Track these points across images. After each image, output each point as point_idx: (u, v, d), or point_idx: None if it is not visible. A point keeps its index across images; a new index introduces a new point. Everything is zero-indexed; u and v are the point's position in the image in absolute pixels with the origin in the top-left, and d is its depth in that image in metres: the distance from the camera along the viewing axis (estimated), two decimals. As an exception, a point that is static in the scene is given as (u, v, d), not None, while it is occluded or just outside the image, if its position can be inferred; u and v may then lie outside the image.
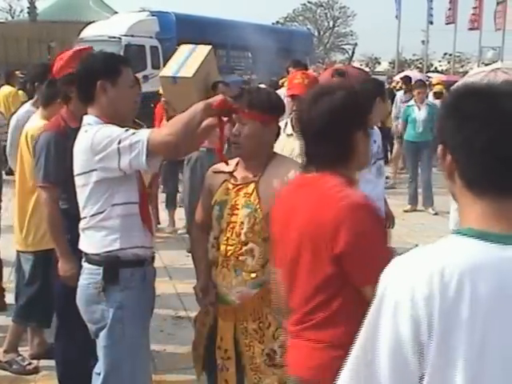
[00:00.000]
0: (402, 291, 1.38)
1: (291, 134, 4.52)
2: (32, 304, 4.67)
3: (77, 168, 3.13)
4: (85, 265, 3.23)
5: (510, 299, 1.32)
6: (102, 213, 3.09)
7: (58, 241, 3.68)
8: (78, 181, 3.14)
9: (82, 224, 3.20)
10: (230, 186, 3.15)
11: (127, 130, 2.97)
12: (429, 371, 1.34)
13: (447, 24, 35.34)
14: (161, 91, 7.51)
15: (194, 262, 3.39)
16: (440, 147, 1.50)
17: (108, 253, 3.11)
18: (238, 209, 3.08)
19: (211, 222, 3.20)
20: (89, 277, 3.18)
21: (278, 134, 3.27)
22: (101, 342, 3.19)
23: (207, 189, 3.31)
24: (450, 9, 35.00)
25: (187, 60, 3.77)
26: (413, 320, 1.34)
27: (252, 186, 3.08)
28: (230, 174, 3.19)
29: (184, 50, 3.90)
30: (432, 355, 1.33)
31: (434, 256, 1.40)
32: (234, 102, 3.06)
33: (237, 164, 3.22)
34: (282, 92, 5.93)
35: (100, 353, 3.21)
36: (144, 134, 2.96)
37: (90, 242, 3.18)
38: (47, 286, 4.44)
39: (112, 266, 3.12)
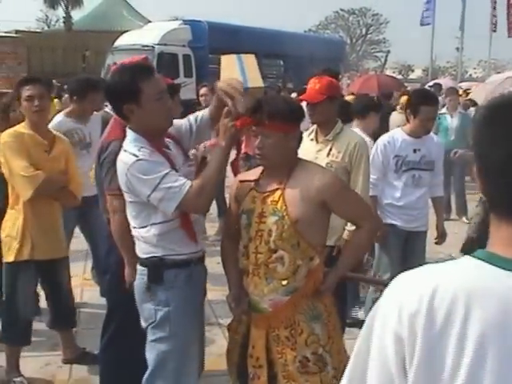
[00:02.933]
0: (391, 307, 1.35)
1: (312, 139, 4.53)
2: None
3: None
4: (138, 266, 3.37)
5: (506, 333, 1.23)
6: (143, 228, 3.25)
7: (126, 249, 3.68)
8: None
9: (132, 232, 3.36)
10: (257, 195, 3.15)
11: (166, 175, 3.05)
12: None
13: (493, 32, 34.65)
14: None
15: (225, 271, 3.39)
16: (475, 163, 1.41)
17: (152, 257, 3.26)
18: (265, 217, 3.07)
19: (240, 231, 3.21)
20: (139, 277, 3.34)
21: (300, 139, 3.27)
22: (148, 338, 3.34)
23: (234, 198, 3.32)
24: (494, 15, 34.34)
25: (245, 70, 3.78)
26: (397, 337, 1.31)
27: (278, 193, 3.07)
28: (256, 182, 3.20)
29: (231, 60, 3.90)
30: (412, 374, 1.28)
31: (431, 275, 1.35)
32: (253, 117, 3.05)
33: (262, 172, 3.22)
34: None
35: (148, 348, 3.35)
36: (184, 186, 3.04)
37: (138, 248, 3.34)
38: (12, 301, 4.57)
39: (156, 267, 3.26)
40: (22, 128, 4.54)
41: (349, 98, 9.58)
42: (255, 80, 3.66)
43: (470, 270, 1.32)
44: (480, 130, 1.38)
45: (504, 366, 1.22)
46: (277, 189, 3.09)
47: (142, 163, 3.07)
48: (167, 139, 3.34)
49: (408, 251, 5.27)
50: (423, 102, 5.04)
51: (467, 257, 1.35)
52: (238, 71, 3.74)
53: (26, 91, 4.45)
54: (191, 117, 3.54)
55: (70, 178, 4.68)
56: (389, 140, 5.16)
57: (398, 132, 5.27)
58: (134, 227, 3.30)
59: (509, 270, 1.28)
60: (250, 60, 3.86)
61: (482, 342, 1.23)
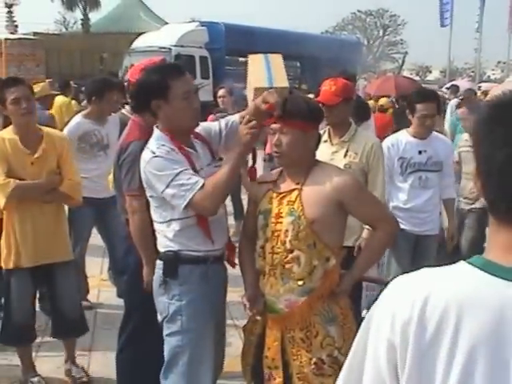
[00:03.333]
0: (385, 313, 1.33)
1: (326, 141, 4.52)
2: None
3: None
4: (157, 261, 3.43)
5: (500, 343, 1.20)
6: (162, 223, 3.31)
7: (145, 248, 3.71)
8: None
9: (154, 225, 3.42)
10: (274, 195, 3.15)
11: (180, 172, 3.11)
12: None
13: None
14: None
15: (241, 272, 3.40)
16: (474, 165, 1.36)
17: (168, 251, 3.31)
18: (282, 217, 3.08)
19: (257, 232, 3.22)
20: (157, 271, 3.40)
21: (318, 141, 3.27)
22: (164, 332, 3.38)
23: (252, 199, 3.35)
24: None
25: (271, 69, 3.79)
26: (389, 344, 1.29)
27: (295, 193, 3.08)
28: (273, 183, 3.21)
29: (258, 59, 3.91)
30: (404, 382, 1.27)
31: (424, 281, 1.32)
32: (275, 114, 3.08)
33: (280, 173, 3.24)
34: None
35: (165, 343, 3.40)
36: (196, 185, 3.09)
37: (158, 242, 3.40)
38: None
39: (171, 261, 3.30)
40: (6, 133, 4.44)
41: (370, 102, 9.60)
42: (281, 80, 3.66)
43: (464, 277, 1.28)
44: (480, 130, 1.33)
45: (494, 378, 1.19)
46: (294, 189, 3.09)
47: (158, 160, 3.16)
48: (195, 140, 3.39)
49: (417, 256, 5.20)
50: (418, 100, 5.02)
51: (463, 262, 1.31)
52: (264, 71, 3.75)
53: (12, 94, 4.28)
54: (222, 122, 3.58)
55: (62, 177, 4.49)
56: (392, 142, 5.11)
57: (402, 134, 5.22)
58: (155, 221, 3.37)
59: (505, 279, 1.23)
60: (276, 60, 3.87)
61: (473, 353, 1.20)
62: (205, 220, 3.26)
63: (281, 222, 3.07)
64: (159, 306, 3.40)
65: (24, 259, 4.42)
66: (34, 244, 4.42)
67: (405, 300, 1.30)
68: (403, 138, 5.14)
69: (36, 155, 4.35)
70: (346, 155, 4.44)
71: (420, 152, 5.07)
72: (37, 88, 8.06)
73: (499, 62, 59.30)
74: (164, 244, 3.34)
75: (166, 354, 3.38)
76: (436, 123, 5.26)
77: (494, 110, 1.32)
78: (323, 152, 4.20)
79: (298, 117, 3.05)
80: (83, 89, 11.34)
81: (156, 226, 3.38)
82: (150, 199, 3.35)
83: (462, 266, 1.30)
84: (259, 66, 3.81)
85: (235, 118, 3.54)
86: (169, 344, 3.36)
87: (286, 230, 3.04)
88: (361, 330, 1.41)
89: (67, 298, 4.64)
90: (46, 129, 4.59)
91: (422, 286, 1.30)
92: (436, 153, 5.09)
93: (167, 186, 3.11)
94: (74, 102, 11.90)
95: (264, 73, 3.70)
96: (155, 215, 3.35)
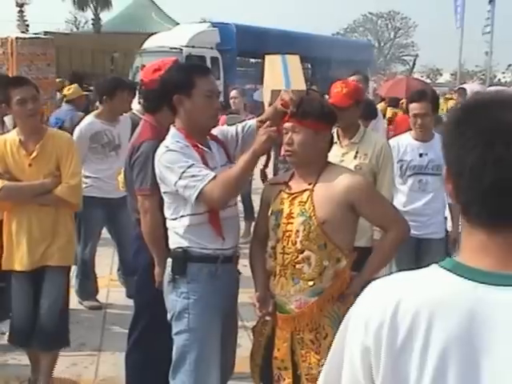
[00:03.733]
0: (359, 317, 1.34)
1: (336, 142, 4.51)
2: None
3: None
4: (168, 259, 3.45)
5: (471, 345, 1.20)
6: (174, 219, 3.33)
7: (157, 248, 3.71)
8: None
9: (166, 223, 3.44)
10: (285, 196, 3.16)
11: (193, 165, 3.16)
12: None
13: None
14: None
15: (252, 273, 3.40)
16: (444, 168, 1.36)
17: (177, 248, 3.33)
18: (293, 217, 3.08)
19: (268, 234, 3.22)
20: (167, 268, 3.41)
21: (331, 143, 3.28)
22: (172, 331, 3.40)
23: (264, 200, 3.35)
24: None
25: (288, 72, 3.77)
26: (364, 347, 1.30)
27: (306, 194, 3.08)
28: (285, 184, 3.22)
29: (276, 61, 3.89)
30: None
31: (396, 285, 1.33)
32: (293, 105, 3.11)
33: (292, 175, 3.25)
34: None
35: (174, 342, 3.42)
36: (207, 176, 3.13)
37: (169, 239, 3.42)
38: None
39: (180, 259, 3.32)
40: (10, 134, 4.38)
41: (380, 105, 9.56)
42: (298, 83, 3.65)
43: (435, 280, 1.28)
44: (450, 132, 1.32)
45: (466, 380, 1.19)
46: (305, 190, 3.10)
47: (171, 153, 3.22)
48: (211, 141, 3.42)
49: (419, 259, 5.12)
50: (410, 100, 5.05)
51: (434, 266, 1.32)
52: (281, 72, 3.73)
53: (17, 94, 4.15)
54: (239, 126, 3.62)
55: (60, 180, 4.29)
56: (393, 145, 5.03)
57: (404, 136, 5.20)
58: (168, 218, 3.39)
59: (474, 281, 1.23)
60: (293, 61, 3.85)
61: (445, 355, 1.21)
62: (217, 217, 3.27)
63: (292, 223, 3.07)
64: (168, 304, 3.42)
65: (17, 263, 4.30)
66: (28, 248, 4.27)
67: (378, 304, 1.31)
68: (405, 140, 5.12)
69: (34, 155, 4.22)
70: (356, 157, 4.43)
71: (421, 155, 5.03)
72: (68, 90, 8.12)
73: (510, 65, 59.18)
74: (174, 240, 3.37)
75: (173, 353, 3.40)
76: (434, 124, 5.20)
77: (463, 113, 1.32)
78: (333, 154, 4.19)
79: (310, 116, 3.07)
80: (92, 88, 11.40)
81: (168, 223, 3.40)
82: (163, 196, 3.37)
83: (432, 269, 1.31)
84: (276, 68, 3.80)
85: (252, 122, 3.58)
86: (176, 343, 3.38)
87: (297, 231, 3.04)
88: (339, 332, 1.43)
89: (47, 305, 4.34)
90: (50, 130, 4.51)
91: (395, 290, 1.31)
92: (438, 156, 4.97)
93: (180, 178, 3.14)
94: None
95: (281, 75, 3.69)
96: (168, 212, 3.37)
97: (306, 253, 3.04)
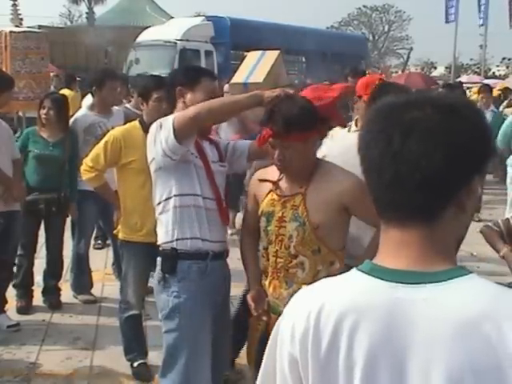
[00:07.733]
0: (286, 326, 1.34)
1: (357, 131, 4.42)
2: None
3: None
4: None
5: (394, 345, 1.20)
6: (161, 203, 3.29)
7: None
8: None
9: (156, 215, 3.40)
10: (276, 198, 3.11)
11: None
12: None
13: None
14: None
15: (244, 268, 3.37)
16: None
17: (166, 244, 3.28)
18: (285, 221, 3.04)
19: (259, 231, 3.19)
20: (157, 267, 3.37)
21: (321, 138, 3.30)
22: (163, 329, 3.39)
23: (253, 197, 3.30)
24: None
25: (257, 66, 3.76)
26: (291, 357, 1.31)
27: (299, 198, 3.03)
28: (275, 184, 3.15)
29: (253, 56, 3.90)
30: None
31: (319, 291, 1.33)
32: (271, 128, 2.99)
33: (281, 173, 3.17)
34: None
35: (163, 340, 3.41)
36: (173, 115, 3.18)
37: (158, 232, 3.37)
38: None
39: (169, 257, 3.28)
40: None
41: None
42: (258, 76, 3.64)
43: (354, 284, 1.29)
44: (362, 132, 1.37)
45: (393, 380, 1.20)
46: (298, 193, 3.05)
47: (158, 124, 3.20)
48: (204, 141, 3.42)
49: None
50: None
51: (354, 269, 1.32)
52: (249, 67, 3.74)
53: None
54: (231, 145, 3.59)
55: None
56: None
57: None
58: (156, 204, 3.35)
59: (391, 282, 1.24)
60: (270, 56, 3.84)
61: (370, 359, 1.21)
62: (219, 201, 3.32)
63: (284, 227, 3.03)
64: (160, 303, 3.39)
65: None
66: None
67: (302, 311, 1.31)
68: None
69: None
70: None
71: None
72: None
73: (504, 59, 59.12)
74: (161, 234, 3.33)
75: (164, 351, 3.39)
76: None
77: (371, 116, 1.35)
78: (345, 141, 4.10)
79: (294, 130, 2.93)
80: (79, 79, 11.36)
81: (156, 209, 3.35)
82: (154, 176, 3.32)
83: (352, 273, 1.32)
84: (249, 62, 3.81)
85: (244, 147, 3.53)
86: (167, 342, 3.36)
87: (291, 236, 3.01)
88: (270, 340, 1.42)
89: None
90: None
91: (317, 297, 1.31)
92: None
93: (160, 130, 3.15)
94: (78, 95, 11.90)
95: (248, 69, 3.70)
96: (157, 196, 3.32)
97: (300, 258, 3.02)
